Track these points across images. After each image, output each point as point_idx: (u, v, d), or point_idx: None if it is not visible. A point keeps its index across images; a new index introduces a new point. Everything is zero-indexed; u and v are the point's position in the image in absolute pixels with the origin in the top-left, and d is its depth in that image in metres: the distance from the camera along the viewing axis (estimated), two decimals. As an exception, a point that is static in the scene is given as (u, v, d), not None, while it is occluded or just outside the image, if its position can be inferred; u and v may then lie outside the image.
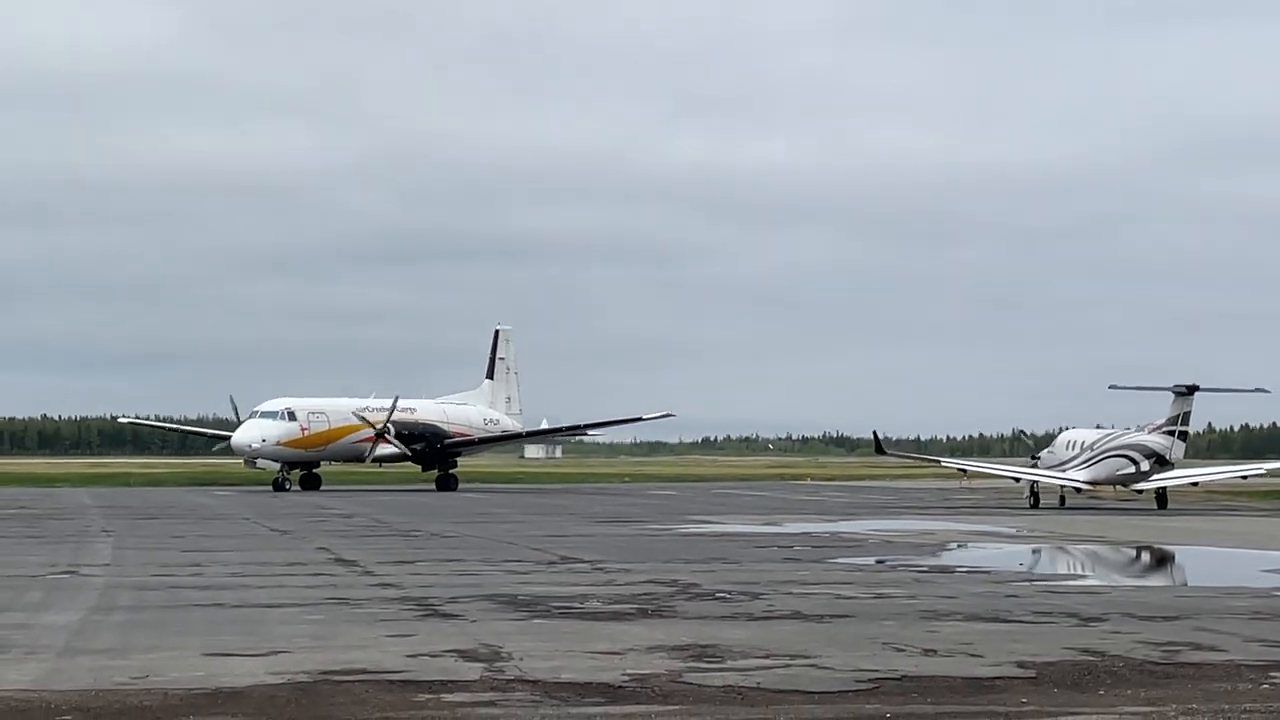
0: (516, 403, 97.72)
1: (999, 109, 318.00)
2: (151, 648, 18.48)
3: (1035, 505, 64.58)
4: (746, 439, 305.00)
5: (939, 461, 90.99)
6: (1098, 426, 68.52)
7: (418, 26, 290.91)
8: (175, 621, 21.41)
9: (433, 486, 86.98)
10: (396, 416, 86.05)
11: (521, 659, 17.57)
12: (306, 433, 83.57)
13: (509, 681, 16.00)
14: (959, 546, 40.39)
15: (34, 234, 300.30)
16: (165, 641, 19.10)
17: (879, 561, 34.02)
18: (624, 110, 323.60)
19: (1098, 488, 66.47)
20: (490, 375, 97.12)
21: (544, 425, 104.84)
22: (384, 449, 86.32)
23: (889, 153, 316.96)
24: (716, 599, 24.98)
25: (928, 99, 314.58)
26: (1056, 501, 65.84)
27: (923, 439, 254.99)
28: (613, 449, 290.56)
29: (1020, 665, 17.39)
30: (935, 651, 18.56)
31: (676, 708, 14.49)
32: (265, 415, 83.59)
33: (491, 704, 14.62)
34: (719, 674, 16.62)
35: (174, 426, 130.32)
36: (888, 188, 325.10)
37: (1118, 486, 65.82)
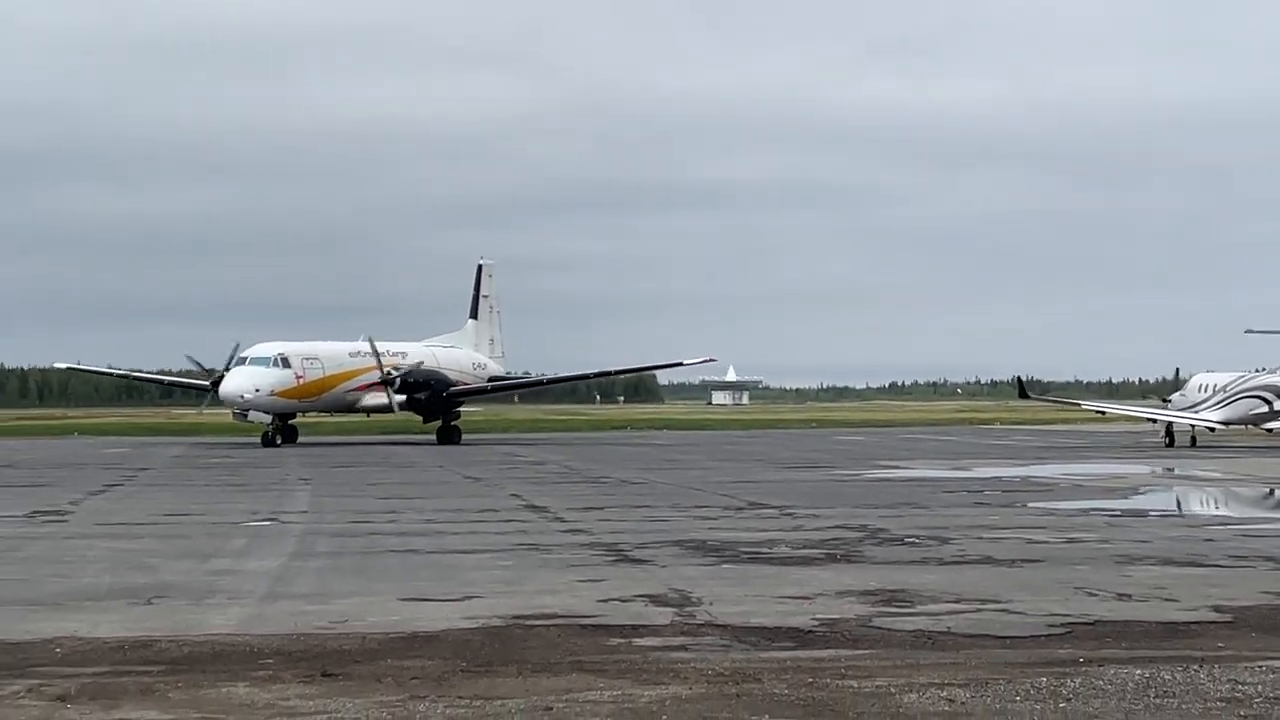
0: (500, 345, 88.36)
1: (1196, 44, 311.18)
2: (349, 593, 18.87)
3: (1170, 445, 67.74)
4: (934, 384, 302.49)
5: (1079, 405, 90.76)
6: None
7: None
8: (372, 567, 21.83)
9: (433, 439, 77.57)
10: (394, 362, 77.05)
11: (711, 604, 17.66)
12: (302, 381, 74.09)
13: (699, 626, 16.10)
14: (1150, 490, 39.77)
15: (225, 188, 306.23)
16: (362, 587, 19.49)
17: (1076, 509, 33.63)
18: (812, 53, 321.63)
19: (1230, 427, 69.75)
20: (474, 315, 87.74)
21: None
22: (378, 398, 76.42)
23: (1082, 91, 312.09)
24: (905, 544, 24.88)
25: (1123, 35, 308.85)
26: (1188, 442, 68.69)
27: (1114, 381, 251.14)
28: (800, 394, 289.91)
29: (1216, 609, 17.12)
30: (1129, 596, 18.33)
31: (866, 652, 14.49)
32: (256, 361, 73.43)
33: (682, 648, 14.73)
34: (909, 619, 16.57)
35: (146, 376, 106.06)
36: (1079, 127, 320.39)
37: (1249, 426, 69.37)
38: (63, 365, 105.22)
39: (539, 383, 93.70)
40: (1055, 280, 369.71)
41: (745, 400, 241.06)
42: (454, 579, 20.25)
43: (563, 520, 29.79)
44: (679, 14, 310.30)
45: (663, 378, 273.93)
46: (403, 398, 76.32)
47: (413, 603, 17.95)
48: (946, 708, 11.91)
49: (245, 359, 73.63)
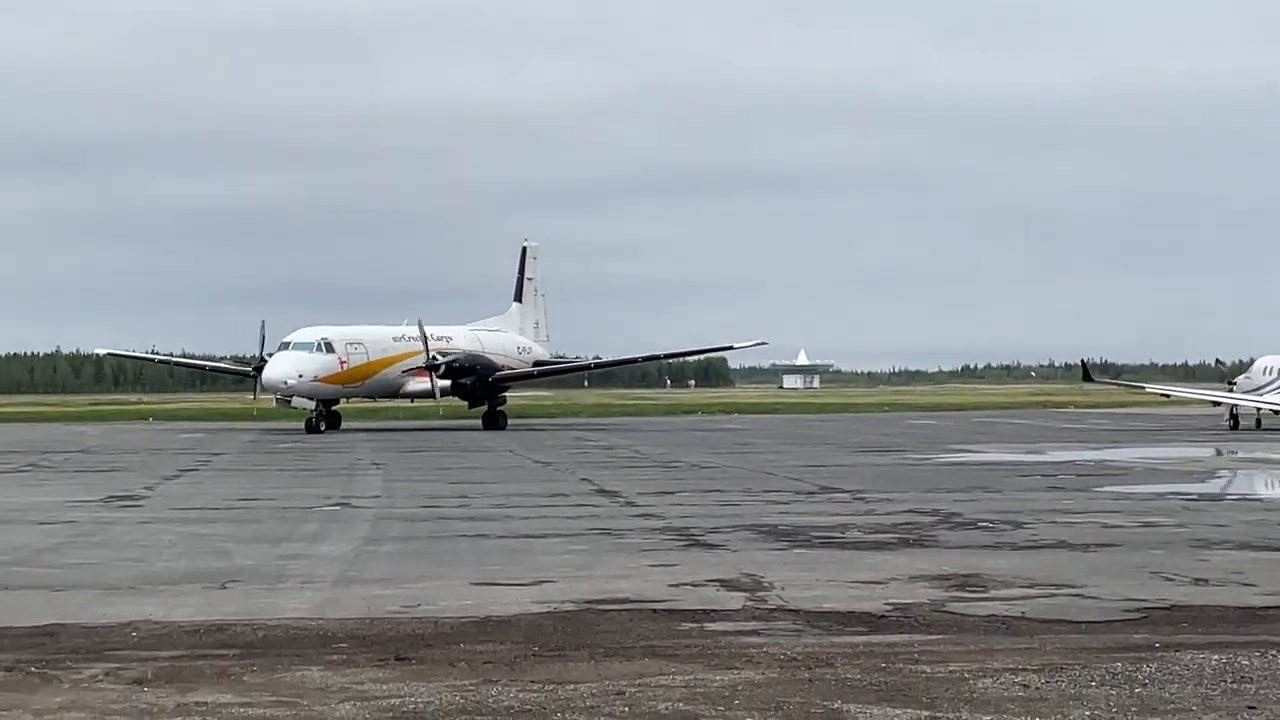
0: (545, 328, 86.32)
1: (1276, 21, 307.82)
2: (421, 577, 18.94)
3: (1235, 428, 67.63)
4: (1007, 366, 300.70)
5: (1143, 388, 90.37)
6: None
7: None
8: (443, 552, 21.90)
9: (479, 425, 75.96)
10: (438, 346, 75.12)
11: (783, 588, 17.63)
12: (345, 366, 72.68)
13: (771, 611, 16.07)
14: (1225, 473, 39.41)
15: (304, 173, 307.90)
16: (434, 571, 19.56)
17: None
18: (886, 35, 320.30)
19: None
20: (519, 298, 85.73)
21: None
22: (424, 383, 74.80)
23: (1156, 70, 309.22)
24: (979, 528, 24.76)
25: (1200, 12, 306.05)
26: (1253, 424, 68.83)
27: (1190, 364, 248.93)
28: (872, 378, 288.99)
29: (1295, 595, 16.93)
30: (1206, 581, 18.17)
31: (939, 637, 14.41)
32: (299, 346, 72.14)
33: (754, 633, 14.70)
34: (982, 603, 16.48)
35: (187, 362, 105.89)
36: (1154, 106, 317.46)
37: None
38: (102, 351, 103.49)
39: (585, 366, 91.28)
40: (1131, 261, 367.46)
41: (816, 384, 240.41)
42: (525, 564, 20.29)
43: (634, 505, 29.81)
44: (754, 1, 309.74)
45: (733, 361, 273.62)
46: (448, 383, 74.94)
47: (485, 587, 17.99)
48: (1021, 693, 11.83)
49: (288, 344, 72.46)
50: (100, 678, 12.61)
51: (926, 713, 11.17)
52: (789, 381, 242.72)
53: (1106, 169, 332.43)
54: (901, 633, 14.70)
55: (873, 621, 15.35)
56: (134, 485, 36.44)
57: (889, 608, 16.18)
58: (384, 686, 12.20)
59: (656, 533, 24.32)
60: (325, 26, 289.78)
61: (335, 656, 13.50)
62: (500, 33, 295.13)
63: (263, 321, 74.31)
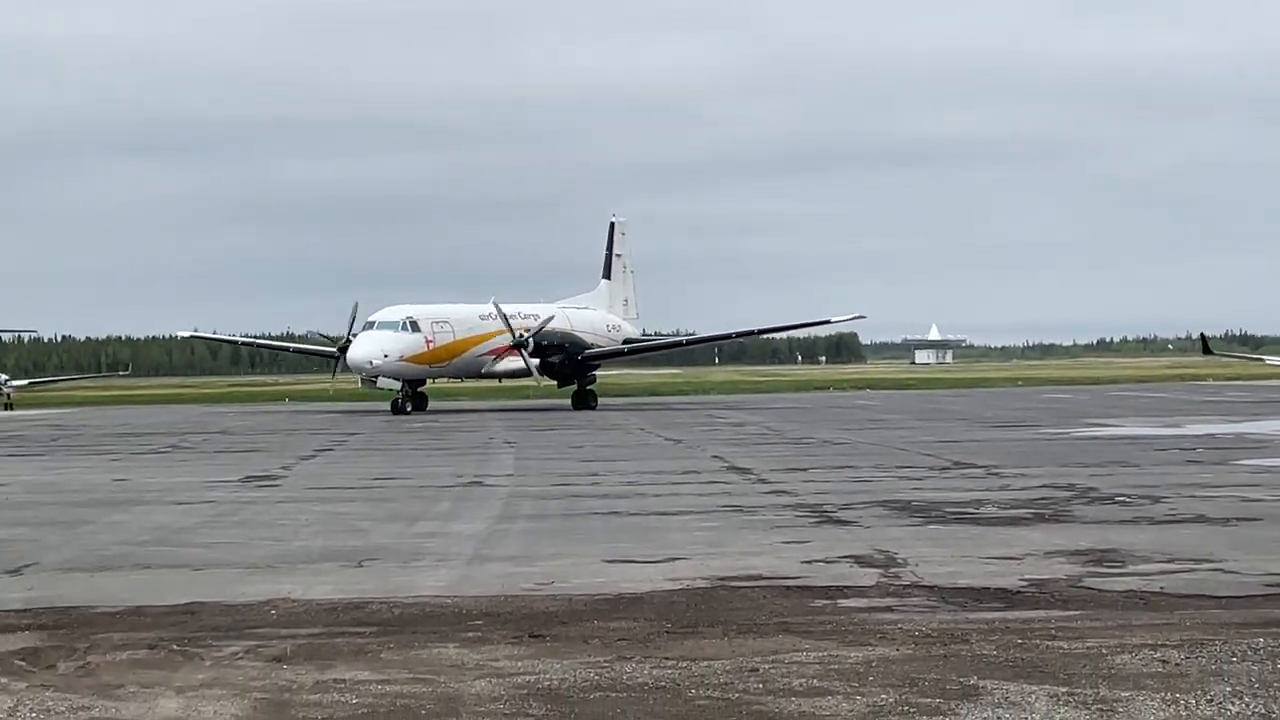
0: (634, 306, 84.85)
1: None
2: (554, 555, 19.02)
3: None
4: (1144, 340, 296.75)
5: (1262, 360, 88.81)
6: None
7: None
8: (576, 529, 21.99)
9: (568, 404, 75.49)
10: (525, 324, 73.77)
11: (917, 564, 17.51)
12: (432, 345, 71.29)
13: (905, 587, 15.97)
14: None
15: (437, 155, 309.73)
16: (567, 549, 19.64)
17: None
18: (1019, 5, 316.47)
19: None
20: (607, 275, 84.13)
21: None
22: (514, 363, 73.61)
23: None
24: (1116, 503, 24.45)
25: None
26: None
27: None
28: (1005, 352, 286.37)
29: None
30: (1350, 555, 17.82)
31: (1076, 613, 14.25)
32: (384, 326, 70.98)
33: (888, 609, 14.62)
34: (1120, 579, 16.28)
35: (264, 343, 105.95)
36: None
37: None
38: (185, 334, 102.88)
39: (676, 343, 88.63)
40: (1272, 232, 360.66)
41: (949, 359, 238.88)
42: (658, 541, 20.32)
43: (765, 481, 29.76)
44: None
45: (865, 337, 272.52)
46: (536, 361, 73.63)
47: (617, 565, 18.04)
48: (1160, 669, 11.68)
49: (373, 323, 71.29)
50: (240, 655, 12.79)
51: (1064, 689, 11.06)
52: (921, 357, 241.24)
53: (1245, 138, 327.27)
54: (1038, 609, 14.55)
55: (1008, 597, 15.20)
56: (271, 465, 36.94)
57: (1025, 583, 16.03)
58: (518, 664, 12.27)
59: (789, 509, 24.26)
60: (452, 9, 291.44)
61: (470, 634, 13.60)
62: (628, 11, 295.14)
63: (355, 303, 73.49)
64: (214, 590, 16.38)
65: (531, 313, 75.72)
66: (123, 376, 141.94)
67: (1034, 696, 10.87)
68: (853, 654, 12.40)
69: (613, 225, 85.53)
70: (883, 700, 10.83)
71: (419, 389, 74.31)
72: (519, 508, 25.31)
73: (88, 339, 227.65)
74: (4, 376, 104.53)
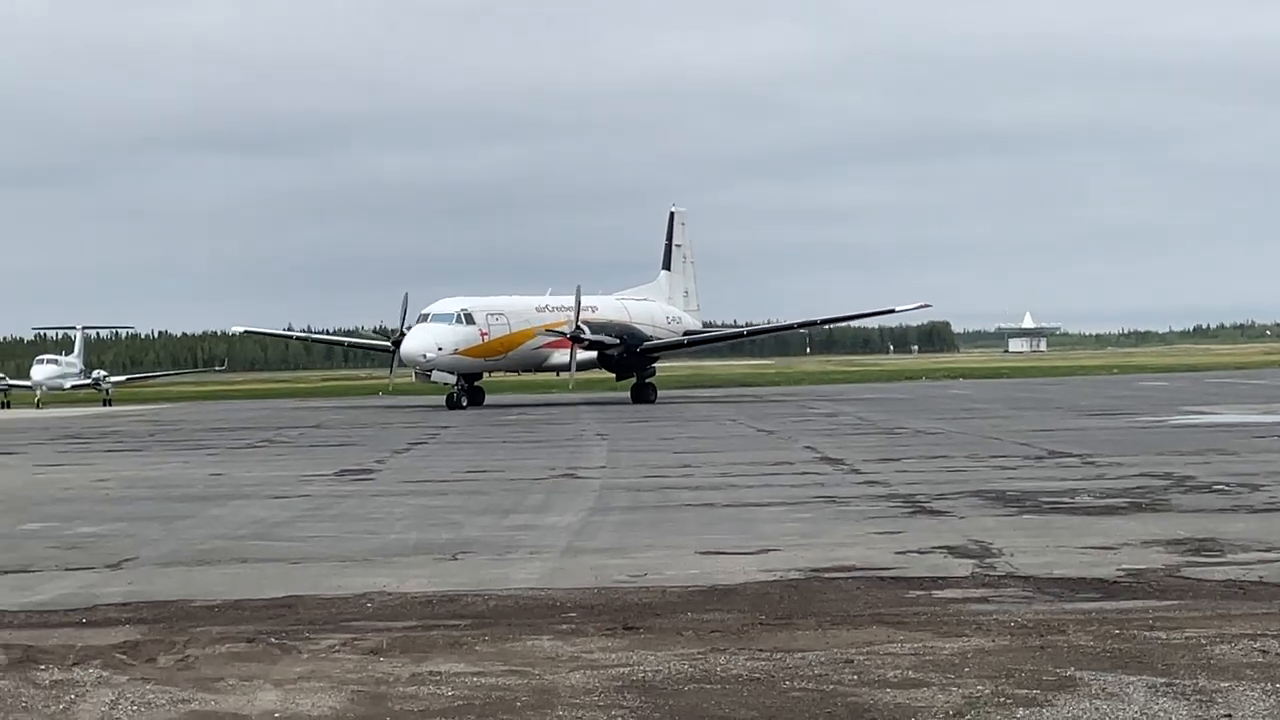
0: (695, 297, 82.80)
1: None
2: (647, 546, 19.04)
3: None
4: (1242, 326, 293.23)
5: None
6: None
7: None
8: (668, 521, 22.00)
9: (627, 398, 73.98)
10: (582, 316, 71.78)
11: (1012, 555, 17.40)
12: (486, 338, 70.18)
13: (1000, 578, 15.87)
14: None
15: (520, 147, 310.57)
16: (660, 540, 19.65)
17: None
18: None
19: None
20: (667, 266, 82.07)
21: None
22: (577, 355, 71.59)
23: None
24: (1214, 491, 24.19)
25: None
26: None
27: None
28: (1099, 340, 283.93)
29: None
30: None
31: (1174, 603, 14.12)
32: (438, 318, 69.92)
33: (983, 600, 14.54)
34: (1219, 568, 16.11)
35: (317, 337, 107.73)
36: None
37: None
38: (239, 329, 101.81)
39: (737, 335, 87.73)
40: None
41: (1043, 347, 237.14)
42: (750, 532, 20.30)
43: (858, 472, 29.66)
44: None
45: (957, 325, 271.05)
46: (593, 354, 72.38)
47: (710, 556, 18.04)
48: (1260, 659, 11.54)
49: (427, 316, 70.28)
50: (337, 648, 12.89)
51: (1162, 679, 10.95)
52: (1014, 345, 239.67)
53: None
54: (1135, 599, 14.42)
55: (1105, 587, 15.08)
56: (366, 459, 37.19)
57: (1121, 573, 15.89)
58: (612, 655, 12.29)
59: (882, 500, 24.17)
60: (535, 1, 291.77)
61: (564, 626, 13.64)
62: (717, 1, 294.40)
63: (405, 295, 72.51)
64: (310, 584, 16.51)
65: (589, 304, 73.92)
66: (219, 372, 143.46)
67: (1132, 687, 10.78)
68: (948, 645, 12.34)
69: (672, 215, 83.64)
70: (978, 691, 10.77)
71: (475, 383, 73.13)
72: (612, 499, 25.35)
73: (184, 334, 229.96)
74: (103, 372, 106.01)
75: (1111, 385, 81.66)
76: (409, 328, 70.74)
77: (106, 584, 16.87)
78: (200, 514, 24.57)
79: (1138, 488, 24.94)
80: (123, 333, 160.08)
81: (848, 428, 46.29)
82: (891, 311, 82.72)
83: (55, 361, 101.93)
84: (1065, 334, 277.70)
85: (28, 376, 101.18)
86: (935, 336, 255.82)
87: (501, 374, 78.86)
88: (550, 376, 77.85)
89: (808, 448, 37.25)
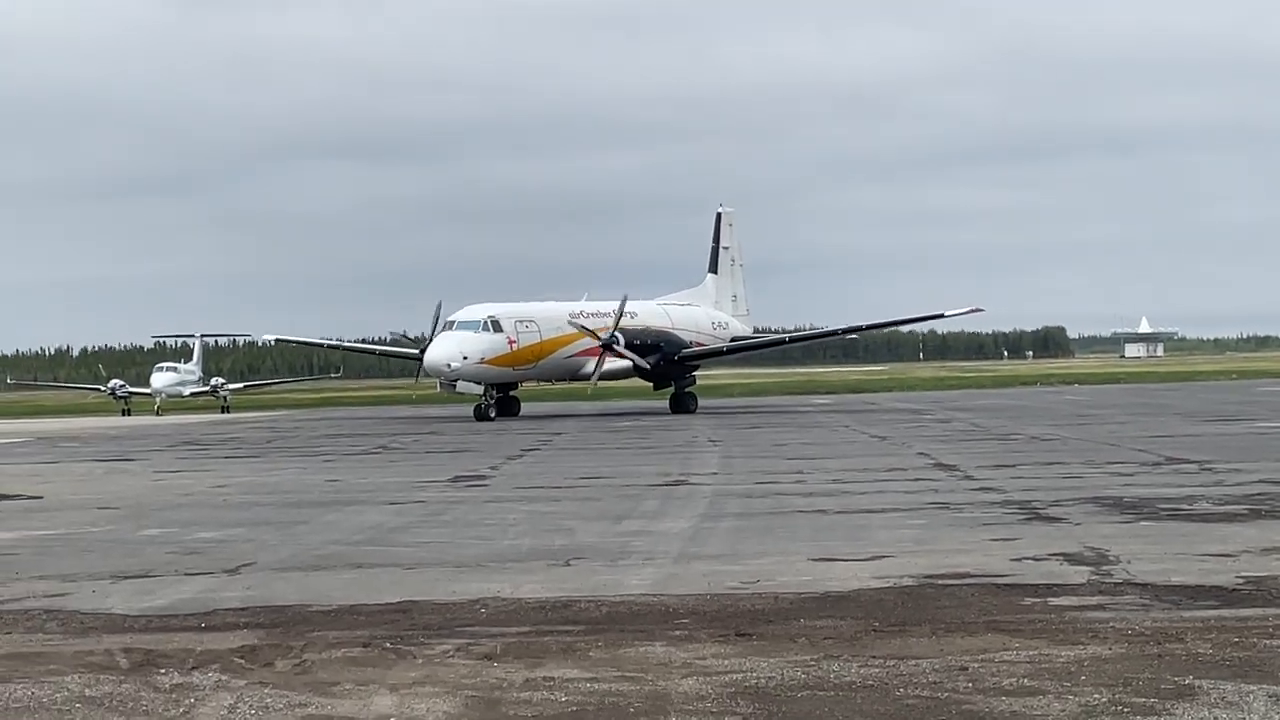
0: (744, 301, 79.57)
1: None
2: (760, 553, 19.02)
3: None
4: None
5: None
6: None
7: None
8: (781, 527, 21.96)
9: (666, 408, 71.42)
10: (621, 322, 69.16)
11: (1129, 562, 17.21)
12: (515, 346, 67.45)
13: (1117, 585, 15.71)
14: None
15: (641, 153, 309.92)
16: (772, 547, 19.62)
17: None
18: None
19: None
20: (713, 269, 78.92)
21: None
22: (611, 363, 69.08)
23: None
24: (1336, 498, 23.79)
25: None
26: None
27: None
28: (1219, 344, 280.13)
29: None
30: None
31: (1296, 611, 13.91)
32: (464, 326, 67.24)
33: (1100, 607, 14.40)
34: (1341, 576, 15.85)
35: (349, 345, 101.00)
36: None
37: None
38: (271, 337, 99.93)
39: (779, 341, 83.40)
40: None
41: (1160, 352, 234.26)
42: (863, 539, 20.22)
43: (972, 478, 29.45)
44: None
45: (1072, 330, 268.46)
46: (627, 363, 69.58)
47: (823, 563, 17.99)
48: (1385, 670, 11.35)
49: (453, 323, 67.75)
50: (451, 653, 12.98)
51: (1283, 689, 10.80)
52: (1131, 350, 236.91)
53: None
54: (1255, 606, 14.22)
55: (1224, 595, 14.89)
56: (479, 465, 37.41)
57: (1241, 581, 15.68)
58: (725, 662, 12.30)
59: (996, 506, 23.99)
60: (654, 2, 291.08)
61: (677, 632, 13.65)
62: (830, 3, 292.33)
63: (439, 302, 70.45)
64: (425, 589, 16.64)
65: (629, 309, 70.75)
66: (335, 379, 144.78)
67: (1252, 696, 10.64)
68: (1064, 653, 12.24)
69: (719, 216, 79.98)
70: (1095, 700, 10.68)
71: (510, 392, 71.10)
72: (724, 506, 25.34)
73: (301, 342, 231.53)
74: (221, 380, 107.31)
75: (1231, 390, 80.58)
76: (434, 334, 68.95)
77: (225, 589, 17.09)
78: (317, 519, 24.83)
79: (1258, 494, 24.59)
80: (240, 341, 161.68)
81: (961, 434, 45.98)
82: (941, 316, 78.95)
83: (174, 369, 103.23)
84: (1183, 339, 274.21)
85: (148, 384, 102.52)
86: (1050, 342, 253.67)
87: (534, 383, 75.68)
88: (585, 385, 74.26)
89: (921, 454, 37.04)
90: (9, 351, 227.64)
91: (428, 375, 69.42)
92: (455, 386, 67.60)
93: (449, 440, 51.52)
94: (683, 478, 31.65)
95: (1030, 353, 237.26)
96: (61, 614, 15.52)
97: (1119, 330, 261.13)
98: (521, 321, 68.33)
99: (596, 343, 68.79)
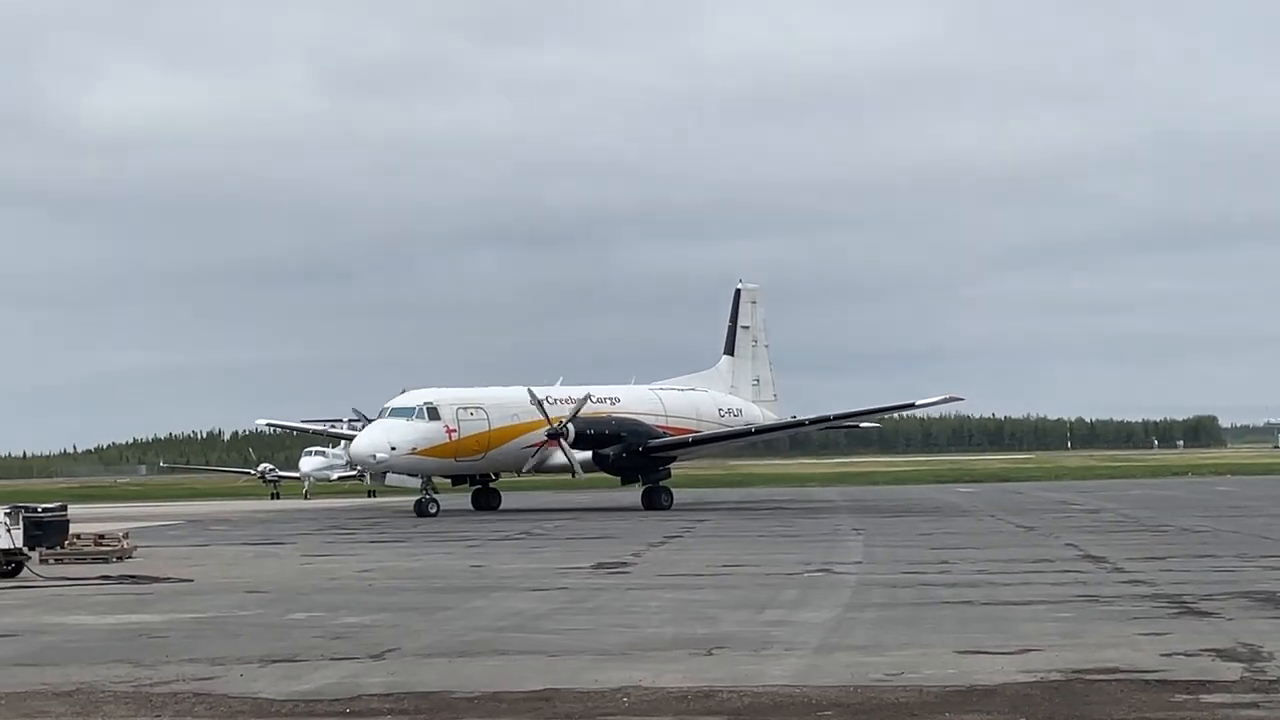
0: (770, 385, 72.96)
1: None
2: (904, 645, 18.84)
3: None
4: None
5: None
6: None
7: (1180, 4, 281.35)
8: (926, 619, 21.74)
9: (638, 504, 64.74)
10: (588, 409, 63.86)
11: (1284, 659, 16.85)
12: (455, 436, 61.93)
13: (1271, 682, 15.38)
14: None
15: (794, 239, 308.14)
16: (917, 639, 19.43)
17: None
18: None
19: None
20: (729, 350, 72.30)
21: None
22: (559, 457, 64.08)
23: None
24: None
25: None
26: None
27: None
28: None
29: None
30: None
31: None
32: (397, 413, 62.02)
33: (1254, 705, 14.10)
34: None
35: (333, 431, 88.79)
36: None
37: None
38: (262, 422, 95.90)
39: (745, 433, 71.25)
40: None
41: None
42: (1010, 631, 19.96)
43: (1122, 570, 28.99)
44: (1260, 45, 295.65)
45: (1224, 420, 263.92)
46: (587, 455, 64.06)
47: (968, 655, 17.78)
48: None
49: (386, 410, 62.95)
50: (593, 742, 12.97)
51: None
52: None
53: None
54: None
55: (1383, 695, 14.51)
56: (622, 552, 37.42)
57: (1401, 680, 15.27)
58: (869, 755, 12.18)
59: (1146, 599, 23.59)
60: (814, 88, 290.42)
61: (820, 724, 13.55)
62: (996, 87, 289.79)
63: (404, 389, 64.48)
64: (568, 677, 16.66)
65: (608, 395, 66.18)
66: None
67: None
68: (1216, 752, 11.99)
69: (738, 293, 73.48)
70: (1249, 801, 10.44)
71: (489, 484, 66.98)
72: (868, 596, 25.14)
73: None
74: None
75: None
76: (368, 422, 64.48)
77: (370, 674, 17.23)
78: (461, 605, 24.96)
79: None
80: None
81: (1110, 524, 45.29)
82: (913, 406, 71.17)
83: (323, 453, 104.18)
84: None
85: (296, 468, 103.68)
86: (1201, 431, 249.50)
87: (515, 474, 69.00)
88: (566, 477, 68.15)
89: (1069, 545, 36.53)
90: (163, 435, 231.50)
91: (354, 465, 64.75)
92: (385, 479, 63.11)
93: (591, 526, 51.61)
94: (826, 566, 31.43)
95: (1181, 441, 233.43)
96: (210, 697, 15.73)
97: (1273, 420, 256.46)
98: (465, 409, 63.16)
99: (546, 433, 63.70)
